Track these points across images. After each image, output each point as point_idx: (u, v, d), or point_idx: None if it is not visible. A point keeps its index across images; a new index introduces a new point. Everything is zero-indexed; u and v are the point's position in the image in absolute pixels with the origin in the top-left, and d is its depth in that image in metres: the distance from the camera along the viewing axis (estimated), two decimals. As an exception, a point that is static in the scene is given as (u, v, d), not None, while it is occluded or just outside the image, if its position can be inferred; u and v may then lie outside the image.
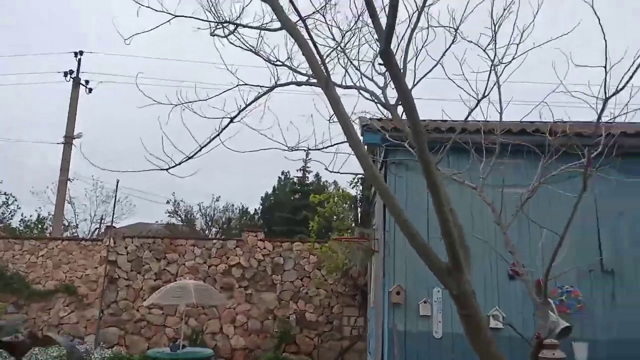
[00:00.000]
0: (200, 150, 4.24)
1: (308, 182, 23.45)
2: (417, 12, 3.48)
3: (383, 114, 4.56)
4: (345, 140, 3.43)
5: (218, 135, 4.18)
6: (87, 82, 19.18)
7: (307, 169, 24.00)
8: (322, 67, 3.40)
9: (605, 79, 2.54)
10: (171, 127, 4.33)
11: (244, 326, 12.55)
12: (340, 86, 3.92)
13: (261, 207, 25.58)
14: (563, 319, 6.44)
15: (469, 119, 4.30)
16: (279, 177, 25.66)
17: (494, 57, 3.42)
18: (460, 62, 3.49)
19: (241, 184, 37.66)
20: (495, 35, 3.63)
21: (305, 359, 12.02)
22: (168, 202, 24.81)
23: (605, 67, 2.53)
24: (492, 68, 3.74)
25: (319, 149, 3.77)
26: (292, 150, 3.85)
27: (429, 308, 6.81)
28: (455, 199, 6.56)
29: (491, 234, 6.04)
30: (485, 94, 3.41)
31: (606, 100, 2.63)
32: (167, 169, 4.21)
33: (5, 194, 24.00)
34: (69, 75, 18.81)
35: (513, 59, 3.40)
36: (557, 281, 6.68)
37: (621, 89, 2.54)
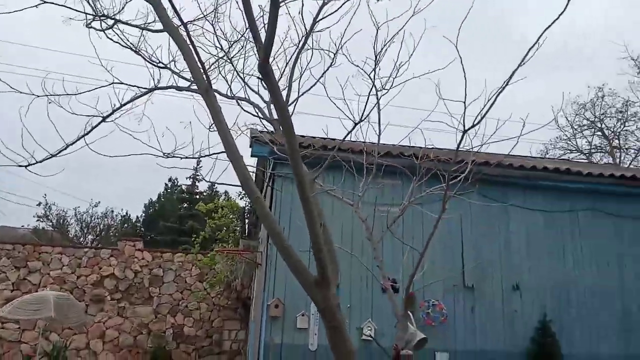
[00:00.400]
0: (66, 148, 3.91)
1: (198, 190, 22.72)
2: (304, 35, 3.57)
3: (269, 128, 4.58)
4: (224, 150, 3.39)
5: (87, 134, 3.90)
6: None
7: (198, 177, 23.30)
8: (204, 74, 3.34)
9: (464, 112, 2.82)
10: (37, 121, 3.94)
11: (114, 342, 11.68)
12: (224, 96, 3.87)
13: (144, 214, 24.21)
14: (429, 331, 6.95)
15: (353, 138, 4.49)
16: (166, 184, 24.57)
17: (373, 82, 3.61)
18: (342, 86, 3.64)
19: (124, 189, 35.39)
20: (377, 64, 3.83)
21: (180, 375, 11.50)
22: (39, 205, 22.51)
23: (464, 102, 2.81)
24: (374, 93, 3.94)
25: (195, 158, 3.66)
26: (167, 157, 3.70)
27: (306, 321, 6.90)
28: (337, 215, 6.82)
29: (364, 249, 6.33)
30: (363, 118, 3.59)
31: (464, 132, 2.91)
32: (25, 166, 3.82)
33: None
34: None
35: (391, 87, 3.62)
36: (425, 295, 7.18)
37: (476, 123, 2.83)
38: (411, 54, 3.27)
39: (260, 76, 2.79)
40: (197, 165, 23.21)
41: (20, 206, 26.75)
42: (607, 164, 15.63)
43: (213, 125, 3.46)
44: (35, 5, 3.58)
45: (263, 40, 2.61)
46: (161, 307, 12.17)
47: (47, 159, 3.86)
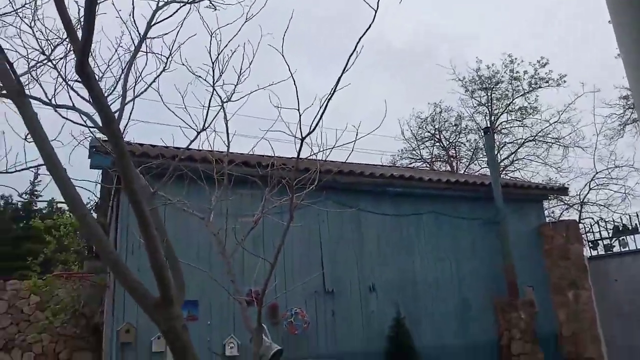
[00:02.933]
0: None
1: (37, 207, 20.17)
2: (139, 40, 3.32)
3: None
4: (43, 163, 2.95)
5: None
6: None
7: (36, 192, 20.71)
8: (14, 77, 2.89)
9: (300, 121, 2.84)
10: None
11: None
12: (45, 103, 3.40)
13: (-29, 237, 20.77)
14: (292, 340, 6.95)
15: (199, 147, 4.28)
16: (-2, 202, 21.39)
17: (212, 91, 3.48)
18: (182, 94, 3.45)
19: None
20: (221, 73, 3.71)
21: (16, 421, 9.95)
22: None
23: (298, 110, 2.82)
24: (218, 103, 3.81)
25: (9, 172, 3.15)
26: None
27: (162, 344, 6.43)
28: (193, 229, 6.50)
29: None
30: (206, 127, 3.43)
31: (302, 139, 2.92)
32: None
33: None
34: None
35: (230, 99, 3.53)
36: (288, 304, 7.20)
37: (311, 131, 2.87)
38: (251, 61, 3.22)
39: (78, 80, 2.47)
40: (35, 180, 20.72)
41: None
42: (445, 171, 17.48)
43: (29, 135, 3.01)
44: None
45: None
46: (-7, 344, 10.46)
47: None
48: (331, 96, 2.73)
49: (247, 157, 6.56)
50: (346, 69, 2.59)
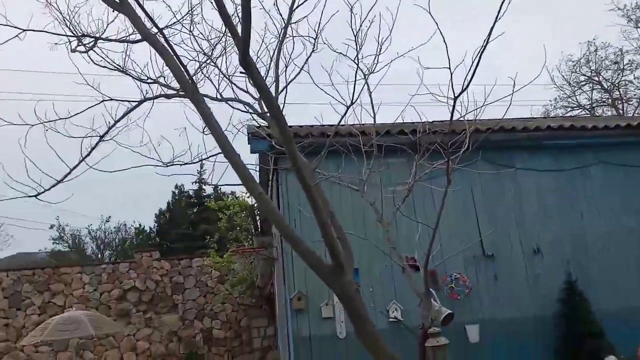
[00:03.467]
0: (70, 172, 3.90)
1: (205, 194, 22.74)
2: (283, 26, 3.51)
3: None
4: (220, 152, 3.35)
5: (87, 155, 3.88)
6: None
7: (204, 180, 23.30)
8: (188, 78, 3.29)
9: (451, 79, 2.75)
10: (36, 148, 3.94)
11: (146, 352, 11.84)
12: (212, 98, 3.82)
13: (156, 224, 24.31)
14: (455, 305, 6.91)
15: (346, 122, 4.42)
16: (173, 192, 24.58)
17: (357, 65, 3.55)
18: (329, 72, 3.58)
19: (133, 202, 35.64)
20: (361, 47, 3.77)
21: (215, 377, 11.63)
22: (52, 228, 22.72)
23: (449, 67, 2.73)
24: (361, 77, 3.88)
25: (194, 163, 3.63)
26: (167, 166, 3.68)
27: (331, 310, 6.88)
28: (345, 202, 6.78)
29: (380, 232, 6.29)
30: (354, 100, 3.53)
31: (455, 98, 2.84)
32: (35, 195, 3.82)
33: None
34: None
35: (375, 66, 3.57)
36: (446, 270, 7.14)
37: (465, 89, 2.76)
38: (391, 29, 3.20)
39: (243, 71, 2.73)
40: (201, 169, 23.28)
41: (34, 231, 26.99)
42: (611, 116, 15.39)
43: (207, 128, 3.43)
44: (17, 35, 3.54)
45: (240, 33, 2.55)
46: (187, 313, 12.28)
47: (54, 186, 3.86)
48: (484, 49, 2.60)
49: (394, 126, 6.57)
50: (498, 17, 2.44)
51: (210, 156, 3.72)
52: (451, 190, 7.56)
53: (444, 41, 2.70)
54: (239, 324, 12.45)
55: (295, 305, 6.79)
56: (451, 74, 2.71)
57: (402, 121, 4.43)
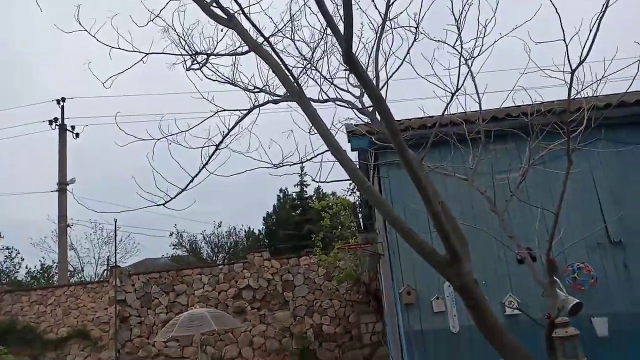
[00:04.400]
0: (191, 181, 4.25)
1: (307, 195, 23.41)
2: (381, 21, 3.52)
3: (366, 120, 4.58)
4: (327, 149, 3.44)
5: (207, 163, 4.20)
6: (73, 127, 19.23)
7: (304, 182, 24.01)
8: (294, 82, 3.43)
9: (567, 51, 2.55)
10: (160, 160, 4.35)
11: (262, 347, 12.48)
12: (316, 101, 3.94)
13: (264, 226, 25.51)
14: (579, 297, 6.40)
15: (449, 112, 4.31)
16: (278, 195, 25.64)
17: (461, 51, 3.44)
18: (430, 61, 3.52)
19: (242, 207, 37.67)
20: (461, 32, 3.66)
21: (328, 372, 11.92)
22: (171, 235, 24.78)
23: (564, 40, 2.54)
24: (463, 62, 3.76)
25: (302, 162, 3.77)
26: (278, 167, 3.86)
27: (442, 304, 6.75)
28: (452, 193, 6.60)
29: (489, 222, 6.03)
30: (459, 87, 3.43)
31: (572, 72, 2.64)
32: (163, 204, 4.21)
33: (7, 248, 24.02)
34: (54, 123, 18.85)
35: (480, 53, 3.43)
36: (567, 260, 6.66)
37: (583, 59, 2.55)
38: (495, 9, 3.05)
39: (347, 68, 2.78)
40: (302, 172, 24.15)
41: (156, 239, 29.74)
42: None
43: (312, 128, 3.54)
44: (141, 60, 3.92)
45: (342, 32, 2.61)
46: (298, 310, 12.73)
47: (178, 194, 4.21)
48: (602, 14, 2.39)
49: (500, 111, 6.27)
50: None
51: (316, 155, 3.84)
52: (569, 174, 7.08)
53: (556, 11, 2.52)
54: (348, 319, 12.65)
55: (405, 299, 6.74)
56: (566, 45, 2.52)
57: (511, 105, 4.22)
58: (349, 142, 7.21)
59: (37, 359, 12.58)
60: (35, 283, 21.85)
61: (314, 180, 4.16)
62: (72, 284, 16.12)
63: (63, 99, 19.11)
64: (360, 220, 12.16)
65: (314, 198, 23.02)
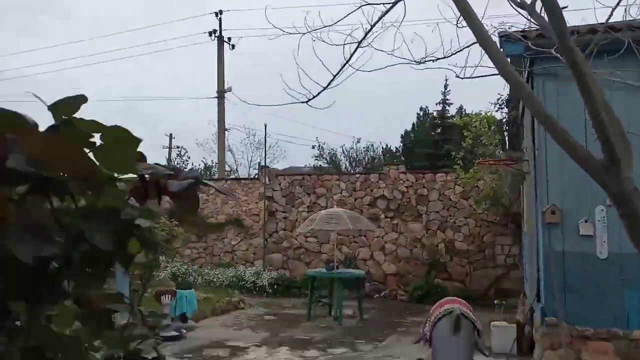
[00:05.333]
0: (333, 79, 4.38)
1: (449, 114, 22.46)
2: None
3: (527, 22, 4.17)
4: (475, 41, 3.26)
5: (348, 61, 4.26)
6: (229, 39, 20.52)
7: (447, 101, 22.98)
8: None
9: None
10: (303, 62, 4.53)
11: (393, 253, 13.04)
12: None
13: (402, 144, 25.43)
14: None
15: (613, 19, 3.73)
16: (418, 114, 25.04)
17: None
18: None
19: (381, 124, 37.74)
20: None
21: (457, 285, 12.09)
22: (313, 147, 26.09)
23: None
24: None
25: (447, 57, 3.64)
26: (419, 63, 3.78)
27: (590, 227, 6.29)
28: (620, 105, 5.86)
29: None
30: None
31: None
32: (306, 102, 4.45)
33: (178, 147, 27.69)
34: (213, 35, 20.28)
35: None
36: None
37: None
38: None
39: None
40: (445, 89, 23.06)
41: (301, 150, 31.59)
42: None
43: (460, 19, 3.36)
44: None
45: None
46: (430, 224, 12.88)
47: (320, 92, 4.39)
48: None
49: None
50: None
51: (462, 48, 3.67)
52: None
53: None
54: (482, 239, 12.46)
55: (549, 218, 6.40)
56: None
57: None
58: (501, 47, 6.70)
59: (201, 238, 14.81)
60: (200, 179, 25.16)
61: (457, 76, 4.02)
62: (229, 178, 18.23)
63: (221, 12, 20.38)
64: (506, 138, 11.47)
65: (456, 117, 22.08)
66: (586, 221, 6.28)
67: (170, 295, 7.68)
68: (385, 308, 10.83)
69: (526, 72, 6.94)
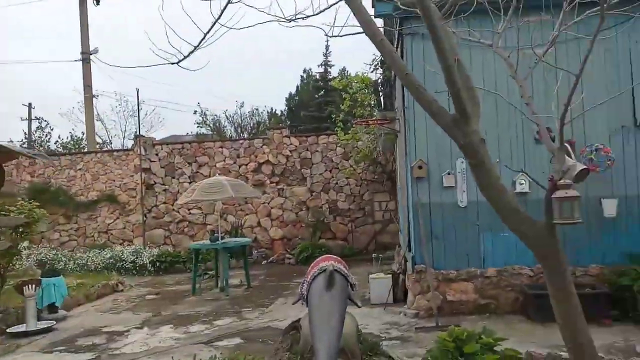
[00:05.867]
0: (204, 38, 4.07)
1: (331, 77, 22.84)
2: None
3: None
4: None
5: (219, 18, 3.98)
6: (92, -8, 18.50)
7: (329, 63, 23.31)
8: None
9: None
10: (173, 17, 4.15)
11: (279, 218, 13.14)
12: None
13: (286, 107, 25.43)
14: (593, 178, 6.38)
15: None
16: (301, 76, 25.10)
17: None
18: None
19: (264, 88, 37.35)
20: None
21: (340, 243, 12.60)
22: (195, 113, 25.01)
23: None
24: None
25: (316, 15, 3.55)
26: (290, 21, 3.65)
27: (452, 179, 6.82)
28: (476, 66, 6.32)
29: (515, 98, 5.84)
30: None
31: None
32: (177, 63, 4.09)
33: (37, 118, 24.74)
34: (73, -11, 18.12)
35: None
36: (586, 141, 6.52)
37: None
38: None
39: None
40: (327, 51, 23.34)
41: (181, 115, 30.07)
42: None
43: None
44: None
45: None
46: (314, 186, 13.15)
47: (192, 52, 4.05)
48: None
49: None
50: None
51: (331, 5, 3.60)
52: (603, 51, 6.63)
53: None
54: (362, 197, 13.05)
55: (416, 173, 6.82)
56: None
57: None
58: (372, 7, 6.83)
59: (70, 219, 13.55)
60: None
61: (326, 35, 3.96)
62: (100, 150, 16.78)
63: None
64: (381, 99, 11.95)
65: (338, 79, 22.51)
66: (449, 173, 6.80)
67: (34, 285, 6.91)
68: (273, 273, 10.94)
69: (397, 32, 7.20)
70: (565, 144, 3.35)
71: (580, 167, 3.18)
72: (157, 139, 15.01)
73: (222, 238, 9.33)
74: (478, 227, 6.63)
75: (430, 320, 6.07)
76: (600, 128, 6.59)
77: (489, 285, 6.52)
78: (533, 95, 6.13)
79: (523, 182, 6.65)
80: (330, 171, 13.22)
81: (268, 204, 13.20)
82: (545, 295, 3.11)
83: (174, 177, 13.46)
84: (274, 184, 13.22)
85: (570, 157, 3.37)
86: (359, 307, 2.74)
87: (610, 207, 6.49)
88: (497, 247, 6.53)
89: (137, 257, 11.66)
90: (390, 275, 7.55)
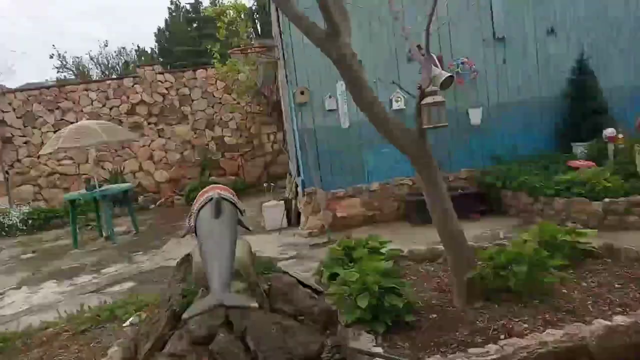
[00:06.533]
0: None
1: (203, 7, 21.33)
2: None
3: None
4: None
5: None
6: None
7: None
8: None
9: None
10: None
11: (163, 160, 12.50)
12: None
13: (157, 44, 23.48)
14: (460, 90, 6.85)
15: None
16: (169, 8, 23.09)
17: None
18: None
19: (130, 24, 33.99)
20: None
21: (232, 179, 12.41)
22: (52, 57, 22.16)
23: None
24: None
25: None
26: None
27: (334, 102, 6.91)
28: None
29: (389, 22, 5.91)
30: None
31: None
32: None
33: None
34: None
35: None
36: (453, 56, 6.92)
37: None
38: None
39: None
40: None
41: (36, 61, 26.42)
42: None
43: None
44: None
45: None
46: (197, 123, 12.60)
47: None
48: None
49: None
50: None
51: None
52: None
53: None
54: (250, 131, 12.82)
55: (299, 99, 6.78)
56: None
57: None
58: None
59: None
60: None
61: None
62: None
63: None
64: (258, 26, 11.48)
65: (210, 8, 21.08)
66: (330, 97, 6.86)
67: None
68: (162, 216, 10.53)
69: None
70: (432, 54, 3.46)
71: (445, 75, 3.34)
72: (6, 87, 13.07)
73: (101, 186, 8.66)
74: (361, 145, 6.88)
75: (323, 237, 6.33)
76: (464, 43, 7.00)
77: (374, 198, 6.91)
78: (404, 12, 6.30)
79: (399, 99, 6.93)
80: (213, 106, 12.70)
81: (149, 146, 12.43)
82: (423, 201, 3.34)
83: (35, 127, 12.01)
84: (153, 125, 12.42)
85: (437, 66, 3.51)
86: (250, 230, 2.71)
87: (475, 116, 7.08)
88: (380, 163, 6.86)
89: (4, 218, 10.48)
90: (283, 201, 7.65)
